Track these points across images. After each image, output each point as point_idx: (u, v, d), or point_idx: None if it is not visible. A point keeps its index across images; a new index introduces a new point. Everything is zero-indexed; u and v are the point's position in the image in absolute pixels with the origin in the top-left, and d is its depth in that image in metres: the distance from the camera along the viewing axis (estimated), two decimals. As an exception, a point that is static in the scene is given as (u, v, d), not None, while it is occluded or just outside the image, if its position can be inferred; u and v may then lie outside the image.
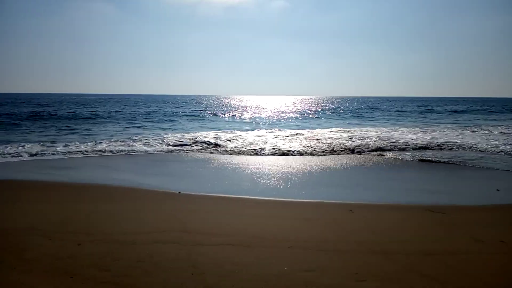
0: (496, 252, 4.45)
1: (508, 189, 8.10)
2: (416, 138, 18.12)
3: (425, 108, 54.30)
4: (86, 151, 13.16)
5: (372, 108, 54.08)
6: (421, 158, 12.31)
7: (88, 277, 3.64)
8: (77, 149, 13.43)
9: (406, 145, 15.29)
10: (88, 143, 14.89)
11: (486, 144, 15.45)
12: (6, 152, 12.46)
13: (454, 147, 14.76)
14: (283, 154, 13.05)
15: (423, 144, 15.44)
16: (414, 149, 14.43)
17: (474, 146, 14.99)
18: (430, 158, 12.19)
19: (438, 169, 10.80)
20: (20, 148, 13.24)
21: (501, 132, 21.31)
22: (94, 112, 34.98)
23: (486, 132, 21.85)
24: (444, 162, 11.56)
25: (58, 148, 13.53)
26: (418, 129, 24.08)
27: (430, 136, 18.86)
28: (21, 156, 12.01)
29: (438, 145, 15.17)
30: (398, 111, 48.44)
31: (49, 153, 12.61)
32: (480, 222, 5.64)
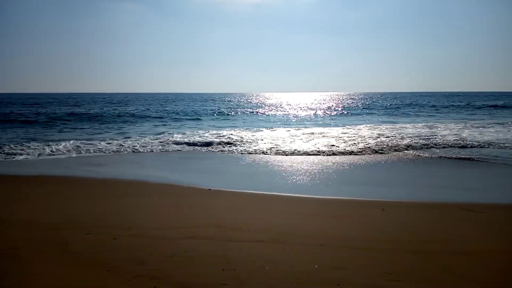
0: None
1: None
2: (451, 133, 17.56)
3: (464, 104, 51.94)
4: (119, 147, 13.62)
5: (407, 104, 52.33)
6: (458, 156, 11.91)
7: (124, 270, 3.77)
8: (116, 146, 13.93)
9: (443, 142, 14.85)
10: (120, 139, 15.40)
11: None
12: (55, 149, 13.08)
13: (492, 145, 14.17)
14: (307, 154, 12.94)
15: (459, 141, 14.94)
16: (450, 146, 13.96)
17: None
18: (467, 156, 11.78)
19: (475, 166, 10.42)
20: (63, 145, 13.84)
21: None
22: (128, 112, 35.53)
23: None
24: (481, 160, 11.14)
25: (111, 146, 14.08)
26: (453, 124, 23.31)
27: (466, 133, 18.21)
28: (70, 152, 12.63)
29: (477, 142, 14.63)
30: (434, 106, 46.85)
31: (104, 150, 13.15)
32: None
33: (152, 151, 13.31)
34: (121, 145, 14.32)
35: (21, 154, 12.12)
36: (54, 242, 4.51)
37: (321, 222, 5.45)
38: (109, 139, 15.99)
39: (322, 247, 4.43)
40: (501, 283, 3.55)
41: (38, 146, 13.68)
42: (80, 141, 15.06)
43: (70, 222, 5.30)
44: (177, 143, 15.07)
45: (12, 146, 13.60)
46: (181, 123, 26.22)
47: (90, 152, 12.90)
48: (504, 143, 14.34)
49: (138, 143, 14.79)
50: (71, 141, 14.88)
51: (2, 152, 12.34)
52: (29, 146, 13.55)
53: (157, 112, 36.35)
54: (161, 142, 15.34)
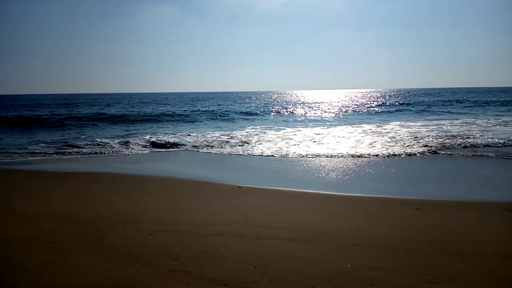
0: None
1: None
2: (489, 133, 16.83)
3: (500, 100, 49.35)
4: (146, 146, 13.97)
5: (445, 101, 49.91)
6: (495, 154, 11.38)
7: (159, 265, 3.84)
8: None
9: (482, 141, 14.27)
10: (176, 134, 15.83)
11: None
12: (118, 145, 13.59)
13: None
14: (332, 155, 12.75)
15: (498, 140, 14.28)
16: (486, 145, 13.31)
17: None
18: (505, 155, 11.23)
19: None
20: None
21: None
22: (168, 111, 35.16)
23: None
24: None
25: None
26: (492, 121, 22.34)
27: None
28: (145, 147, 13.09)
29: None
30: (475, 102, 44.79)
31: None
32: None
33: (181, 149, 13.53)
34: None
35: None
36: (91, 237, 4.67)
37: (352, 221, 5.35)
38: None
39: (355, 246, 4.35)
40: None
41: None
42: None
43: (106, 217, 5.47)
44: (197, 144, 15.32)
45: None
46: (213, 123, 26.13)
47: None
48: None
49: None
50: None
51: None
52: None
53: (205, 112, 35.87)
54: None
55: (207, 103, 53.03)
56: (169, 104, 51.58)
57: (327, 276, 3.61)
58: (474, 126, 20.22)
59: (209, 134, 18.21)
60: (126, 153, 12.89)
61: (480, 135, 15.64)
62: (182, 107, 43.55)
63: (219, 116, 31.63)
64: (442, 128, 19.55)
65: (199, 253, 4.13)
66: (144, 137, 16.27)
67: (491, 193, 7.07)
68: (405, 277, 3.58)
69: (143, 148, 13.77)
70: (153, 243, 4.43)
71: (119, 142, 14.77)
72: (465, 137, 15.16)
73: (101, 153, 12.72)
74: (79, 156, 12.27)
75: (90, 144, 14.39)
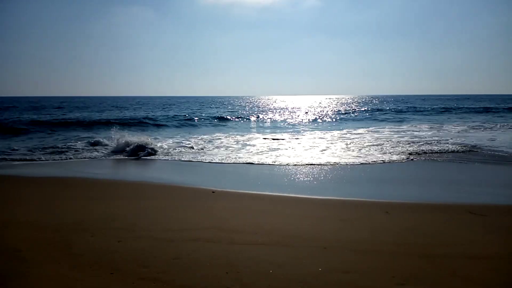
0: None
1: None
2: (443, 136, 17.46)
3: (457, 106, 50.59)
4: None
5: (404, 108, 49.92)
6: (456, 159, 11.82)
7: (128, 272, 3.76)
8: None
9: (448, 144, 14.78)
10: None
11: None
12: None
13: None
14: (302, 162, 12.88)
15: (457, 144, 14.84)
16: (448, 152, 13.70)
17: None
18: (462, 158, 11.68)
19: (476, 167, 10.33)
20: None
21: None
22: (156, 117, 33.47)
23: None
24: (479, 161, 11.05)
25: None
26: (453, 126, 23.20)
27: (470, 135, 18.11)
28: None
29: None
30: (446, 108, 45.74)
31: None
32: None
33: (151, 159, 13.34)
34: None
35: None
36: (58, 244, 4.52)
37: (325, 225, 5.42)
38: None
39: (326, 250, 4.40)
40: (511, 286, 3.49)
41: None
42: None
43: (75, 224, 5.31)
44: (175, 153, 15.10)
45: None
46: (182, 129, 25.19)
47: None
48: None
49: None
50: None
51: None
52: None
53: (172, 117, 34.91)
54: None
55: (180, 108, 51.77)
56: (140, 108, 50.24)
57: (299, 280, 3.63)
58: (441, 131, 20.98)
59: (168, 140, 17.42)
60: (93, 156, 12.58)
61: (446, 140, 16.21)
62: (152, 111, 42.12)
63: (186, 121, 30.23)
64: (412, 133, 20.14)
65: (171, 260, 4.07)
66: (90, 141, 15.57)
67: (455, 195, 7.32)
68: (375, 279, 3.65)
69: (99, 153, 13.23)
70: (123, 250, 4.34)
71: (83, 147, 14.27)
72: (434, 142, 15.65)
73: (66, 158, 12.32)
74: (44, 160, 11.85)
75: (54, 148, 13.89)
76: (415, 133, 20.45)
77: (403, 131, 21.41)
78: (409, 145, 14.58)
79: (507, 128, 21.96)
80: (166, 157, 12.41)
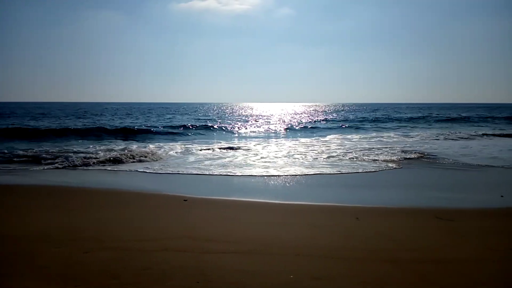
0: (507, 259, 4.37)
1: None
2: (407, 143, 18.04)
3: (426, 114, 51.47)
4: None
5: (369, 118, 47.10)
6: (425, 164, 12.20)
7: (95, 284, 3.64)
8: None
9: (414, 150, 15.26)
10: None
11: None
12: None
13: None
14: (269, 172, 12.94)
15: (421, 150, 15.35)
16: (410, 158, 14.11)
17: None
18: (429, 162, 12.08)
19: (441, 173, 10.70)
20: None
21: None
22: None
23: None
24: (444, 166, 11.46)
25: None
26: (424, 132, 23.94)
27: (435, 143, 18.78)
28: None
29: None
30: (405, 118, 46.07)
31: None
32: (490, 229, 5.56)
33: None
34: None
35: None
36: (21, 256, 4.33)
37: (296, 231, 5.45)
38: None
39: (298, 257, 4.42)
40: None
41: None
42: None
43: (38, 235, 5.11)
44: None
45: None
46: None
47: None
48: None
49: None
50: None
51: None
52: None
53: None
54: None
55: (142, 116, 48.26)
56: (103, 114, 46.88)
57: (270, 287, 3.63)
58: (409, 138, 21.69)
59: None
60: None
61: (416, 147, 16.74)
62: (112, 118, 39.18)
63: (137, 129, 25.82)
64: (381, 140, 20.67)
65: (140, 270, 3.97)
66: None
67: (422, 201, 7.54)
68: (344, 285, 3.69)
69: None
70: (90, 261, 4.20)
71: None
72: (407, 149, 16.11)
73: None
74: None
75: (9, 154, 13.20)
76: (384, 139, 21.09)
77: (371, 138, 22.01)
78: (378, 152, 14.94)
79: (456, 137, 22.19)
80: (126, 167, 11.92)
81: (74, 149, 15.06)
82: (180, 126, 29.06)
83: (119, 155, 12.89)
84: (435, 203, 7.27)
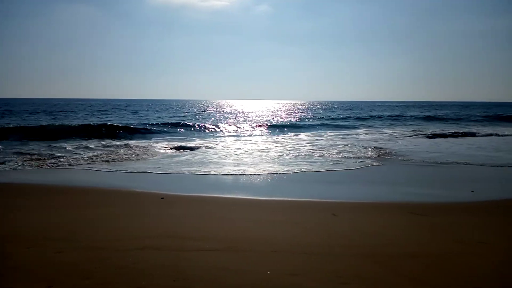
0: (477, 253, 4.52)
1: (481, 187, 8.39)
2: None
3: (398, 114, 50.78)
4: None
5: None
6: (399, 160, 12.47)
7: (67, 285, 3.56)
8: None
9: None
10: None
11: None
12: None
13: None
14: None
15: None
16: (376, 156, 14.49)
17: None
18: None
19: (414, 169, 10.97)
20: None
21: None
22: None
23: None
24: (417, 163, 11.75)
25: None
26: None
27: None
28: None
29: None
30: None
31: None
32: (460, 223, 5.74)
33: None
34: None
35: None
36: (-10, 258, 4.19)
37: (275, 228, 5.48)
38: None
39: (276, 253, 4.44)
40: (447, 284, 3.71)
41: None
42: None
43: (9, 235, 4.95)
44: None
45: None
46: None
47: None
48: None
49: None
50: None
51: None
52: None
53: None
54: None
55: (117, 112, 46.32)
56: (77, 111, 44.78)
57: (248, 284, 3.63)
58: (382, 135, 22.17)
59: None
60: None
61: (392, 145, 17.10)
62: (83, 116, 37.49)
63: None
64: (356, 137, 21.02)
65: (115, 270, 3.91)
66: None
67: (397, 197, 7.70)
68: (320, 280, 3.74)
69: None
70: (63, 262, 4.10)
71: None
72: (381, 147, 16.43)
73: None
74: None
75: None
76: (361, 136, 21.51)
77: (346, 135, 22.40)
78: (349, 149, 15.17)
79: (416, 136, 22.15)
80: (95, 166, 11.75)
81: (45, 147, 14.68)
82: (156, 124, 27.89)
83: (93, 154, 12.65)
84: (410, 199, 7.45)
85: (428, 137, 21.66)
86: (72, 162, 11.65)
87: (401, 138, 21.00)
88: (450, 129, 27.17)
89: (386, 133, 24.13)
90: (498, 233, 5.26)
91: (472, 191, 7.93)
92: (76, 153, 13.38)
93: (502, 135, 22.48)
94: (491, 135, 22.82)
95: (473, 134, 23.22)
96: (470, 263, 4.19)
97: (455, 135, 22.76)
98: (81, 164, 11.33)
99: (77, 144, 15.96)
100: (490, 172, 10.65)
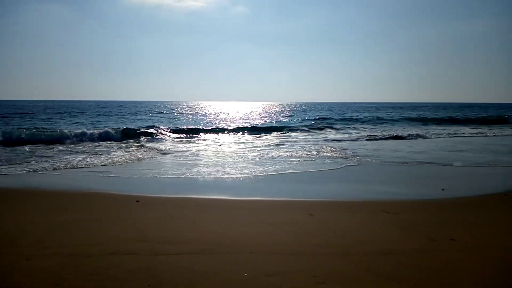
0: (448, 249, 4.65)
1: (452, 185, 8.64)
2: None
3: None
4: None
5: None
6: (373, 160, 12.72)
7: (38, 293, 3.45)
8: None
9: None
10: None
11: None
12: None
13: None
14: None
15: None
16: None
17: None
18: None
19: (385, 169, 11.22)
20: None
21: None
22: None
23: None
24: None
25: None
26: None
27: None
28: None
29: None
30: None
31: None
32: (431, 221, 5.89)
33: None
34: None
35: None
36: (-47, 267, 4.00)
37: (252, 229, 5.48)
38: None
39: (252, 254, 4.44)
40: (419, 281, 3.80)
41: None
42: None
43: (-25, 243, 4.75)
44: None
45: None
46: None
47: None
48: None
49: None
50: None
51: None
52: None
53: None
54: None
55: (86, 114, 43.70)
56: (38, 112, 42.87)
57: (224, 287, 3.62)
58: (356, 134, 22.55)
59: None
60: None
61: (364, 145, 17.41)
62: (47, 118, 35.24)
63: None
64: (326, 137, 21.44)
65: (87, 276, 3.81)
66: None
67: (373, 195, 7.85)
68: (296, 280, 3.76)
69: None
70: (33, 269, 3.97)
71: None
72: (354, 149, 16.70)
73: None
74: None
75: None
76: (331, 135, 21.98)
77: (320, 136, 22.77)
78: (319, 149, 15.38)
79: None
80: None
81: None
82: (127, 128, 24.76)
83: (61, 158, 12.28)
84: (383, 197, 7.60)
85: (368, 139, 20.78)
86: (39, 166, 11.28)
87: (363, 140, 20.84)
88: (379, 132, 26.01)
89: (351, 134, 24.49)
90: (468, 230, 5.43)
91: (443, 189, 8.16)
92: (42, 156, 12.96)
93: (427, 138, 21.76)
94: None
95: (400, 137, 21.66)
96: (441, 260, 4.31)
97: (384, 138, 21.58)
98: (48, 168, 11.01)
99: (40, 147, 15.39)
100: (457, 171, 11.01)
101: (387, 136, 21.98)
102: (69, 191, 8.06)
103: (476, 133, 24.90)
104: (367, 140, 20.38)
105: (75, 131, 20.55)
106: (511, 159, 13.10)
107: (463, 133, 24.95)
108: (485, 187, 8.57)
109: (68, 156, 13.07)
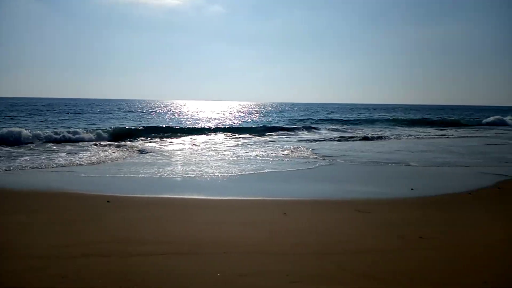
0: (416, 247, 4.79)
1: (420, 185, 8.89)
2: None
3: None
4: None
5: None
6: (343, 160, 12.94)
7: (3, 298, 3.33)
8: None
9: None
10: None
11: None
12: None
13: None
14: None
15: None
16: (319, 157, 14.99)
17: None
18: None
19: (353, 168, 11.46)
20: None
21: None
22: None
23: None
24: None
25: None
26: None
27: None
28: None
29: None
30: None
31: None
32: (402, 219, 6.05)
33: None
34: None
35: None
36: None
37: (225, 229, 5.47)
38: None
39: (226, 254, 4.43)
40: (390, 278, 3.90)
41: None
42: None
43: None
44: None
45: None
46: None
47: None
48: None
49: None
50: None
51: None
52: None
53: None
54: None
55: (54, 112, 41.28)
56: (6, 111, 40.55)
57: (196, 287, 3.60)
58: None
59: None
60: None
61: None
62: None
63: None
64: (301, 137, 21.73)
65: (56, 279, 3.70)
66: None
67: (345, 195, 7.99)
68: (269, 279, 3.79)
69: None
70: (-2, 273, 3.82)
71: None
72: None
73: None
74: None
75: None
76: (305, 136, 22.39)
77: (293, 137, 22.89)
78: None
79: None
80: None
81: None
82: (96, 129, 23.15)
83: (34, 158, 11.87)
84: (356, 196, 7.74)
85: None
86: (5, 165, 10.88)
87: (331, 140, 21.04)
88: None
89: (323, 134, 24.82)
90: (435, 228, 5.61)
91: (412, 189, 8.39)
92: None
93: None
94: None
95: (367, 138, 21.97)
96: (411, 258, 4.43)
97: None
98: (16, 166, 10.64)
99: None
100: (424, 171, 11.37)
101: (359, 137, 22.39)
102: (36, 191, 7.79)
103: (441, 135, 25.80)
104: (339, 140, 20.69)
105: (46, 130, 19.94)
106: (471, 160, 13.61)
107: (429, 134, 25.99)
108: (453, 186, 8.87)
109: (38, 156, 12.66)
